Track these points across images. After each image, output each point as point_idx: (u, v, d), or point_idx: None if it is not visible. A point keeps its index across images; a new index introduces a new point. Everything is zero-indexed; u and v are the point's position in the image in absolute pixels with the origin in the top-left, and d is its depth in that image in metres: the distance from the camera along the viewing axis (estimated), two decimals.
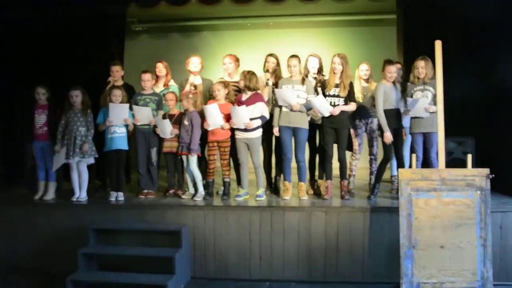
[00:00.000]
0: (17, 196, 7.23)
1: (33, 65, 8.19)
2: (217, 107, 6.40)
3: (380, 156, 6.76)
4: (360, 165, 7.40)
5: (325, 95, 6.43)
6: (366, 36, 10.29)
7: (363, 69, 7.15)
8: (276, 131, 6.52)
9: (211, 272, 6.13)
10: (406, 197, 5.30)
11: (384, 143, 6.37)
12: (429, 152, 6.28)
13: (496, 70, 6.94)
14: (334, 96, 6.43)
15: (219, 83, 6.67)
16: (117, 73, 7.21)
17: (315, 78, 6.82)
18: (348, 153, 6.90)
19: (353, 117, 7.09)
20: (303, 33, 10.55)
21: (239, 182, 6.82)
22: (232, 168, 6.87)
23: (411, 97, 6.35)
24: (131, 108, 6.69)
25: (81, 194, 6.61)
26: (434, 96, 5.99)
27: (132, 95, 6.99)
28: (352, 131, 7.18)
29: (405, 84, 6.57)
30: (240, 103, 6.47)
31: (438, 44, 5.56)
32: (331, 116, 6.36)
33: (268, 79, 6.91)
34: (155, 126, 6.76)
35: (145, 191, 6.82)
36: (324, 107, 6.31)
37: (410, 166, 6.19)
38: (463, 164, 6.25)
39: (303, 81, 6.47)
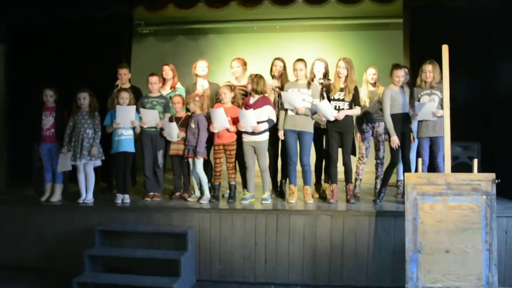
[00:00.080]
0: (24, 197, 7.26)
1: (41, 67, 8.24)
2: (223, 111, 6.42)
3: (386, 161, 6.75)
4: (366, 169, 7.39)
5: (329, 99, 6.44)
6: (373, 40, 10.32)
7: (371, 73, 7.15)
8: (281, 135, 6.53)
9: (216, 275, 6.14)
10: (412, 201, 5.29)
11: (391, 147, 6.38)
12: (435, 156, 6.28)
13: (502, 74, 6.94)
14: (339, 100, 6.44)
15: (226, 87, 6.69)
16: (124, 76, 7.23)
17: (321, 83, 6.82)
18: (355, 157, 6.92)
19: (360, 121, 7.11)
20: (309, 36, 10.58)
21: (245, 185, 6.83)
22: (237, 172, 6.89)
23: (418, 101, 6.34)
24: (138, 111, 6.72)
25: (87, 196, 6.63)
26: (441, 100, 5.99)
27: (139, 97, 7.02)
28: (358, 135, 7.20)
29: (411, 88, 6.56)
30: (247, 106, 6.49)
31: (445, 49, 5.57)
32: (335, 120, 6.37)
33: (274, 88, 6.90)
34: (161, 129, 6.78)
35: (151, 193, 6.84)
36: (329, 111, 6.32)
37: (416, 171, 6.20)
38: (468, 169, 6.26)
39: (308, 85, 6.48)
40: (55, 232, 6.44)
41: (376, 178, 7.12)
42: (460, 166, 6.71)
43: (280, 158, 7.03)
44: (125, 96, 6.61)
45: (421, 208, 5.28)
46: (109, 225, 6.30)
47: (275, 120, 6.49)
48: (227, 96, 6.59)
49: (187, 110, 6.84)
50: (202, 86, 7.08)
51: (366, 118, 7.06)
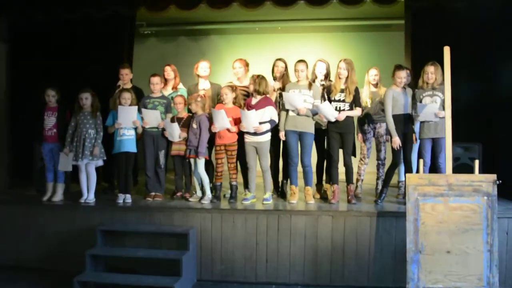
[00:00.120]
0: (25, 197, 7.26)
1: (42, 67, 8.25)
2: (224, 112, 6.43)
3: (388, 161, 6.76)
4: (367, 169, 7.40)
5: (330, 100, 6.46)
6: (374, 41, 10.33)
7: (372, 74, 7.15)
8: (282, 135, 6.54)
9: (217, 275, 6.16)
10: (413, 202, 5.30)
11: (393, 148, 6.39)
12: (437, 157, 6.28)
13: (503, 76, 6.95)
14: (339, 101, 6.45)
15: (227, 87, 6.70)
16: (126, 76, 7.24)
17: (322, 85, 6.83)
18: (357, 157, 6.93)
19: (361, 122, 7.12)
20: (311, 37, 10.59)
21: (246, 185, 6.84)
22: (239, 172, 6.90)
23: (420, 102, 6.34)
24: (139, 111, 6.73)
25: (89, 195, 6.65)
26: (443, 102, 5.99)
27: (140, 98, 7.03)
28: (360, 135, 7.21)
29: (413, 89, 6.55)
30: (249, 107, 6.50)
31: (446, 50, 5.58)
32: (336, 121, 6.38)
33: (276, 90, 6.92)
34: (163, 129, 6.79)
35: (153, 193, 6.85)
36: (330, 112, 6.33)
37: (418, 172, 6.20)
38: (470, 170, 6.28)
39: (310, 86, 6.49)
40: (57, 232, 6.46)
41: (378, 179, 7.12)
42: (461, 167, 6.72)
43: (281, 158, 7.04)
44: (127, 96, 6.62)
45: (422, 209, 5.28)
46: (111, 225, 6.31)
47: (277, 120, 6.50)
48: (228, 96, 6.60)
49: (189, 110, 6.85)
50: (203, 89, 7.07)
51: (368, 119, 7.07)
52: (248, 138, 6.50)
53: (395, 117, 6.35)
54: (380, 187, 6.85)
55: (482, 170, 6.08)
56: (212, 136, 6.65)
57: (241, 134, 6.57)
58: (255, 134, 6.42)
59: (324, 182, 7.04)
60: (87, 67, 8.09)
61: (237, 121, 6.53)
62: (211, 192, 6.69)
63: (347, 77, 6.42)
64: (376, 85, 7.15)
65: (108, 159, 6.81)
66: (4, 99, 8.33)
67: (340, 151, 6.54)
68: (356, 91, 6.48)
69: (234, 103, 6.67)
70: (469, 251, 5.20)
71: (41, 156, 7.07)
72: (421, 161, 5.75)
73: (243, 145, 6.57)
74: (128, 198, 6.66)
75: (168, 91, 7.31)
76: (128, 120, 6.61)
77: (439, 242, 5.24)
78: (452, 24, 7.41)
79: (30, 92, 7.97)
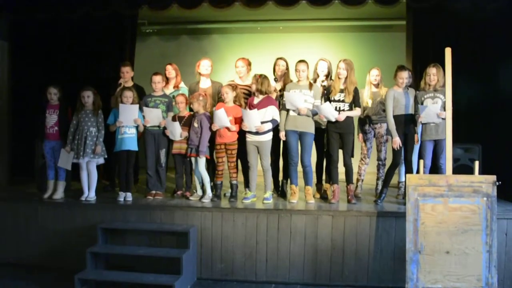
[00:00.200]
0: (26, 194, 7.27)
1: (44, 65, 8.28)
2: (224, 112, 6.44)
3: (388, 162, 6.77)
4: (367, 169, 7.41)
5: (330, 100, 6.48)
6: (375, 41, 10.34)
7: (374, 75, 7.15)
8: (282, 135, 6.55)
9: (217, 274, 6.17)
10: (413, 202, 5.32)
11: (393, 148, 6.40)
12: (438, 158, 6.29)
13: (503, 77, 6.96)
14: (339, 101, 6.46)
15: (228, 86, 6.71)
16: (126, 74, 7.25)
17: (323, 86, 6.84)
18: (357, 158, 6.94)
19: (362, 122, 7.14)
20: (312, 37, 10.59)
21: (246, 184, 6.86)
22: (239, 171, 6.92)
23: (421, 104, 6.35)
24: (141, 109, 6.75)
25: (90, 193, 6.66)
26: (444, 104, 5.99)
27: (142, 96, 7.05)
28: (361, 135, 7.23)
29: (413, 90, 6.57)
30: (251, 106, 6.52)
31: (448, 51, 5.59)
32: (336, 121, 6.40)
33: (276, 91, 6.93)
34: (164, 128, 6.80)
35: (153, 192, 6.86)
36: (330, 113, 6.34)
37: (418, 172, 6.22)
38: (469, 171, 6.30)
39: (310, 86, 6.51)
40: (58, 230, 6.48)
41: (378, 179, 7.14)
42: (461, 168, 6.74)
43: (282, 158, 7.06)
44: (129, 94, 6.63)
45: (422, 209, 5.30)
46: (112, 223, 6.33)
47: (279, 120, 6.52)
48: (229, 95, 6.61)
49: (190, 109, 6.87)
50: (205, 91, 7.07)
51: (369, 119, 7.08)
52: (249, 137, 6.51)
53: (396, 117, 6.37)
54: (380, 187, 6.87)
55: (482, 171, 6.09)
56: (214, 135, 6.66)
57: (242, 133, 6.59)
58: (257, 133, 6.43)
59: (324, 182, 7.05)
60: (89, 65, 8.12)
61: (237, 120, 6.55)
62: (212, 191, 6.70)
63: (346, 77, 6.44)
64: (377, 86, 7.15)
65: (109, 157, 6.83)
66: (6, 97, 8.36)
67: (340, 151, 6.55)
68: (356, 91, 6.49)
69: (234, 102, 6.68)
70: (468, 251, 5.22)
71: (42, 154, 7.07)
72: (421, 161, 5.76)
73: (245, 144, 6.58)
74: (129, 196, 6.67)
75: (169, 90, 7.33)
76: (130, 119, 6.62)
77: (439, 243, 5.26)
78: (453, 25, 7.42)
79: (31, 90, 8.01)
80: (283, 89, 6.75)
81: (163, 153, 6.93)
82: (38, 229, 6.54)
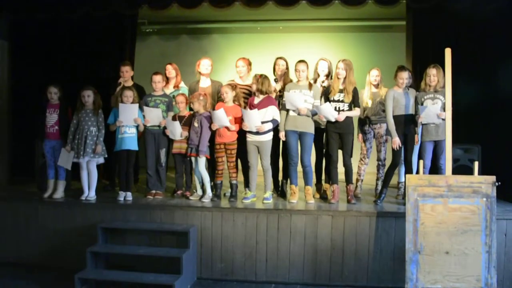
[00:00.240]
0: (26, 194, 7.27)
1: (44, 64, 8.29)
2: (223, 112, 6.45)
3: (388, 162, 6.78)
4: (367, 170, 7.42)
5: (329, 100, 6.48)
6: (375, 42, 10.35)
7: (374, 75, 7.15)
8: (282, 135, 6.55)
9: (217, 273, 6.17)
10: (412, 203, 5.33)
11: (393, 148, 6.41)
12: (439, 158, 6.29)
13: (503, 77, 6.96)
14: (338, 101, 6.47)
15: (227, 86, 6.72)
16: (126, 73, 7.26)
17: (323, 86, 6.84)
18: (356, 158, 6.94)
19: (362, 122, 7.14)
20: (312, 37, 10.60)
21: (246, 184, 6.86)
22: (239, 171, 6.92)
23: (421, 105, 6.35)
24: (141, 109, 6.75)
25: (90, 193, 6.67)
26: (444, 105, 5.99)
27: (142, 95, 7.05)
28: (360, 136, 7.24)
29: (413, 91, 6.57)
30: (252, 106, 6.53)
31: (448, 52, 5.59)
32: (336, 121, 6.41)
33: (276, 91, 6.94)
34: (165, 128, 6.81)
35: (153, 191, 6.87)
36: (330, 113, 6.35)
37: (418, 173, 6.22)
38: (469, 171, 6.31)
39: (310, 86, 6.51)
40: (58, 229, 6.48)
41: (377, 179, 7.15)
42: (461, 168, 6.75)
43: (281, 158, 7.07)
44: (129, 94, 6.63)
45: (422, 209, 5.31)
46: (112, 222, 6.34)
47: (279, 120, 6.52)
48: (228, 95, 6.61)
49: (191, 109, 6.87)
50: (204, 90, 7.07)
51: (368, 119, 7.09)
52: (250, 137, 6.51)
53: (396, 117, 6.37)
54: (379, 187, 6.88)
55: (482, 172, 6.10)
56: (213, 135, 6.67)
57: (242, 133, 6.59)
58: (257, 133, 6.43)
59: (323, 182, 7.06)
60: (89, 65, 8.13)
61: (237, 120, 6.56)
62: (212, 190, 6.70)
63: (345, 78, 6.45)
64: (377, 86, 7.16)
65: (109, 156, 6.84)
66: (6, 97, 8.37)
67: (340, 151, 6.56)
68: (355, 91, 6.49)
69: (234, 101, 6.68)
70: (468, 252, 5.23)
71: (43, 153, 7.08)
72: (421, 162, 5.77)
73: (245, 144, 6.59)
74: (129, 196, 6.67)
75: (169, 90, 7.34)
76: (130, 118, 6.62)
77: (438, 243, 5.26)
78: (453, 25, 7.43)
79: (31, 89, 8.01)
80: (283, 89, 6.76)
81: (163, 152, 6.94)
82: (38, 228, 6.55)
